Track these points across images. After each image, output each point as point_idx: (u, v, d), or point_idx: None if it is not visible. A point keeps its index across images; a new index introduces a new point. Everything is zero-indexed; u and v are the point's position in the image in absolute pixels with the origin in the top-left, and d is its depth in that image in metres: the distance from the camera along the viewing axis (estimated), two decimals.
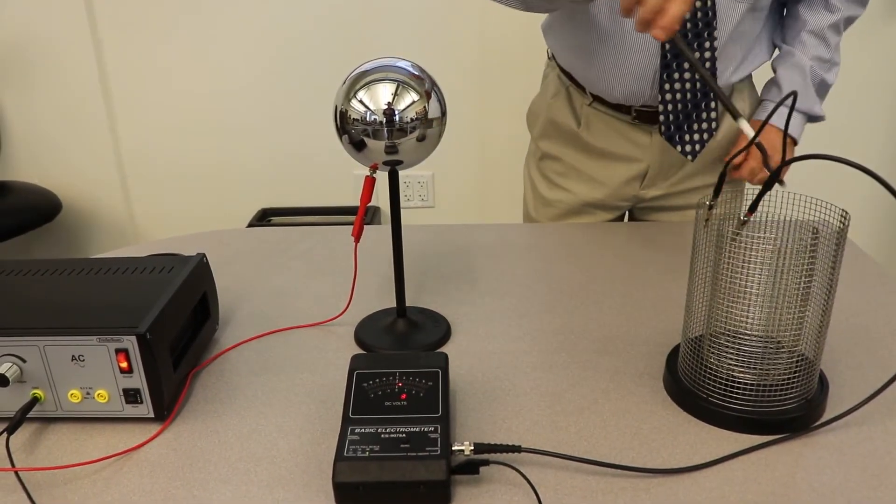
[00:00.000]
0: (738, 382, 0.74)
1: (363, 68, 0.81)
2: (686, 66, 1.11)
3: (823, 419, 0.75)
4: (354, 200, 2.62)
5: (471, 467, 0.66)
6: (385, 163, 0.82)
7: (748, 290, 0.72)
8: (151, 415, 0.76)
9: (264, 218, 2.64)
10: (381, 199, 2.65)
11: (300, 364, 0.88)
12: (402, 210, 0.88)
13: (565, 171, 1.32)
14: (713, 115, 1.16)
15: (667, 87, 1.12)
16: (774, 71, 1.21)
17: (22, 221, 2.38)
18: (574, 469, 0.69)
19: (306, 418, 0.78)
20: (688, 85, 1.12)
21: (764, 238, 0.71)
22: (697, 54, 1.09)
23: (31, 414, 0.74)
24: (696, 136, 1.15)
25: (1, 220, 2.33)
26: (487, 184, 2.62)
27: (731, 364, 0.75)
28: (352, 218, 2.55)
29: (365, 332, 0.93)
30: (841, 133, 2.26)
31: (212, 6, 2.40)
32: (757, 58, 1.19)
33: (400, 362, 0.76)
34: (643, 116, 1.21)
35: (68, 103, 2.54)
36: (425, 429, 0.67)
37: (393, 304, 0.99)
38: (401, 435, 0.67)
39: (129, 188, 2.67)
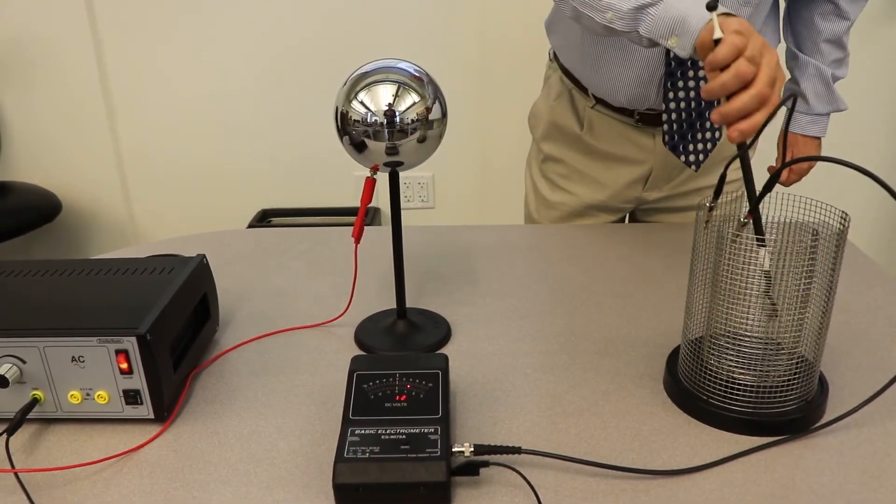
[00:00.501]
0: (738, 384, 0.74)
1: (364, 69, 0.81)
2: (690, 73, 1.10)
3: (823, 421, 0.75)
4: (354, 201, 2.62)
5: (471, 469, 0.66)
6: (386, 164, 0.82)
7: (748, 291, 0.72)
8: (151, 416, 0.76)
9: (264, 219, 2.64)
10: (381, 199, 2.65)
11: (300, 365, 0.88)
12: (402, 211, 0.88)
13: (568, 173, 1.32)
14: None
15: (671, 95, 1.12)
16: (796, 79, 1.23)
17: (22, 222, 2.38)
18: (574, 470, 0.69)
19: (306, 419, 0.78)
20: (692, 94, 1.12)
21: (764, 239, 0.71)
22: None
23: (30, 415, 0.74)
24: (700, 146, 1.15)
25: (1, 221, 2.33)
26: (487, 185, 2.62)
27: (731, 365, 0.75)
28: (352, 219, 2.55)
29: (365, 334, 0.93)
30: (841, 134, 2.26)
31: (212, 7, 2.40)
32: None
33: (400, 364, 0.76)
34: (646, 119, 1.21)
35: (68, 104, 2.54)
36: (425, 430, 0.67)
37: (393, 305, 0.99)
38: (401, 436, 0.67)
39: (129, 189, 2.67)
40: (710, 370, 0.76)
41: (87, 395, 0.75)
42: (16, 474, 0.69)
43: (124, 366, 0.73)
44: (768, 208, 0.78)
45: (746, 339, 0.74)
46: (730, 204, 0.77)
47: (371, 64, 0.82)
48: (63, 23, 2.42)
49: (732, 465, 0.70)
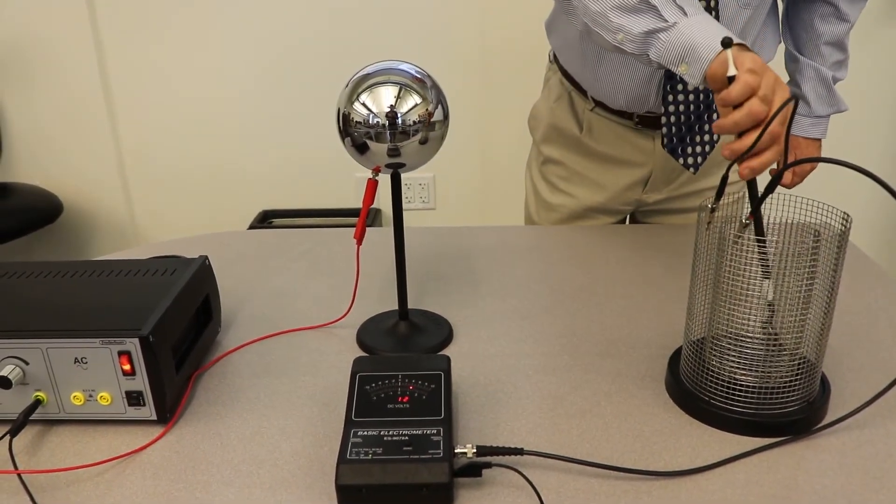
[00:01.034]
0: (740, 385, 0.74)
1: (366, 71, 0.81)
2: None
3: (825, 422, 0.75)
4: (355, 202, 2.62)
5: (473, 470, 0.67)
6: (387, 165, 0.82)
7: (750, 292, 0.72)
8: (154, 417, 0.76)
9: (265, 220, 2.64)
10: (381, 201, 2.65)
11: (302, 366, 0.88)
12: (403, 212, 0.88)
13: (568, 175, 1.32)
14: None
15: (670, 98, 1.12)
16: (797, 82, 1.23)
17: (23, 223, 2.38)
18: (576, 471, 0.69)
19: (309, 421, 0.78)
20: (691, 97, 1.12)
21: (767, 234, 0.71)
22: None
23: (33, 416, 0.74)
24: (699, 149, 1.15)
25: (2, 222, 2.33)
26: (488, 186, 2.62)
27: (732, 366, 0.75)
28: (353, 220, 2.55)
29: (367, 335, 0.93)
30: (841, 135, 2.26)
31: (213, 8, 2.40)
32: (760, 55, 1.19)
33: (402, 365, 0.76)
34: (646, 122, 1.21)
35: (70, 105, 2.54)
36: (428, 431, 0.67)
37: (395, 306, 0.99)
38: (403, 437, 0.67)
39: (130, 190, 2.67)
40: (712, 371, 0.76)
41: (90, 396, 0.75)
42: (19, 475, 0.69)
43: (127, 367, 0.73)
44: (770, 209, 0.78)
45: (748, 339, 0.75)
46: (731, 205, 0.77)
47: (373, 65, 0.82)
48: (64, 23, 2.42)
49: (734, 465, 0.70)
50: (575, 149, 1.30)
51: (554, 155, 1.33)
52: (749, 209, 0.76)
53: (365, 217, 0.85)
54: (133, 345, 0.72)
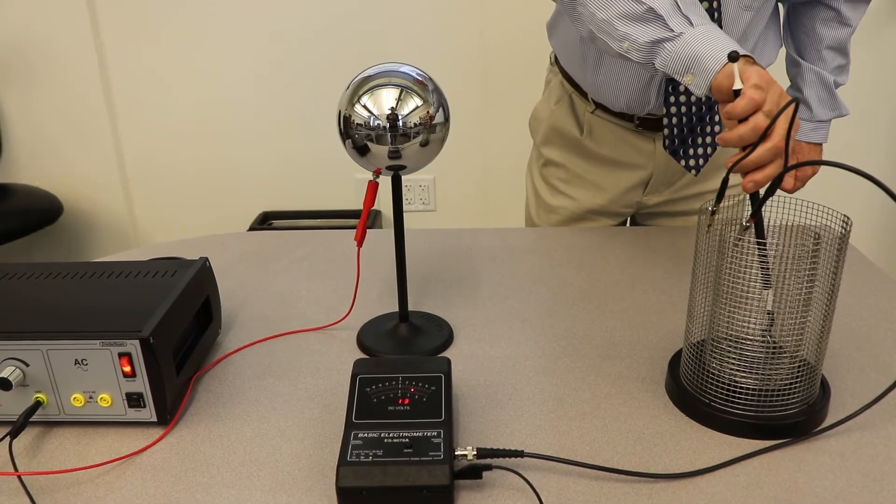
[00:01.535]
0: (740, 387, 0.74)
1: (366, 73, 0.81)
2: None
3: (825, 424, 0.75)
4: (356, 204, 2.63)
5: (474, 472, 0.67)
6: (388, 167, 0.82)
7: (750, 295, 0.72)
8: (154, 419, 0.76)
9: (265, 221, 2.64)
10: (382, 202, 2.65)
11: (303, 368, 0.88)
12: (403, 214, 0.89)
13: (568, 177, 1.32)
14: (717, 128, 1.16)
15: (672, 99, 1.12)
16: (798, 86, 1.23)
17: (23, 224, 2.38)
18: (577, 474, 0.69)
19: (309, 422, 0.78)
20: (693, 98, 1.12)
21: (766, 243, 0.71)
22: None
23: (33, 418, 0.74)
24: (700, 151, 1.15)
25: (2, 223, 2.33)
26: (489, 188, 2.62)
27: (732, 369, 0.75)
28: (353, 221, 2.55)
29: (367, 337, 0.93)
30: (842, 138, 2.27)
31: (214, 10, 2.40)
32: (762, 59, 1.19)
33: (403, 367, 0.76)
34: (647, 124, 1.21)
35: (70, 106, 2.54)
36: (428, 433, 0.67)
37: (395, 308, 0.99)
38: (404, 440, 0.67)
39: (130, 191, 2.67)
40: (712, 373, 0.76)
41: (90, 398, 0.75)
42: (19, 477, 0.69)
43: (127, 369, 0.73)
44: (770, 212, 0.78)
45: (748, 342, 0.75)
46: (732, 208, 0.77)
47: (374, 68, 0.82)
48: (65, 26, 2.43)
49: (734, 468, 0.70)
50: (575, 151, 1.30)
51: (554, 157, 1.33)
52: (749, 212, 0.76)
53: (365, 219, 0.86)
54: (133, 346, 0.72)
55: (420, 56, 2.43)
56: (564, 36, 1.24)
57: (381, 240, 1.25)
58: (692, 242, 1.22)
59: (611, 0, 0.92)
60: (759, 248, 0.71)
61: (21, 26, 2.44)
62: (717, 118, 1.15)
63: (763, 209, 0.75)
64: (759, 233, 0.75)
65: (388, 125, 0.78)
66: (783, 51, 1.25)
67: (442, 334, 0.93)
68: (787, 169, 0.72)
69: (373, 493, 0.63)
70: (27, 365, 0.73)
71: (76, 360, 0.73)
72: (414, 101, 0.79)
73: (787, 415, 0.74)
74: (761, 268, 0.71)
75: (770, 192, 0.73)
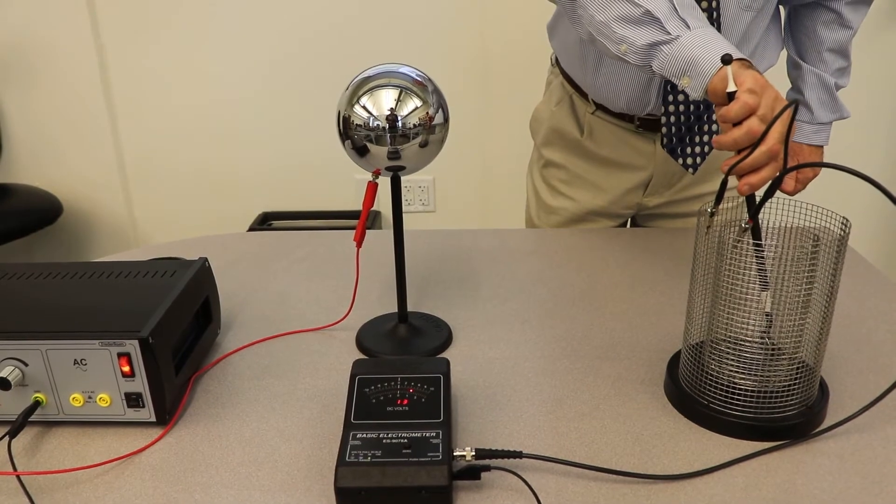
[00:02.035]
0: (739, 389, 0.74)
1: (366, 74, 0.81)
2: None
3: (824, 426, 0.75)
4: (355, 204, 2.63)
5: (472, 473, 0.67)
6: (387, 168, 0.82)
7: (749, 296, 0.72)
8: (153, 419, 0.76)
9: (265, 222, 2.64)
10: (381, 203, 2.65)
11: (302, 369, 0.88)
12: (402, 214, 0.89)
13: (569, 178, 1.32)
14: (714, 127, 1.16)
15: (670, 98, 1.12)
16: (799, 89, 1.23)
17: (23, 224, 2.38)
18: (575, 475, 0.69)
19: (308, 423, 0.78)
20: (691, 97, 1.12)
21: (765, 245, 0.71)
22: None
23: (32, 417, 0.74)
24: (698, 149, 1.15)
25: (2, 223, 2.33)
26: (488, 188, 2.62)
27: (731, 370, 0.75)
28: (353, 222, 2.55)
29: (366, 337, 0.93)
30: (842, 140, 2.27)
31: (214, 10, 2.40)
32: (763, 60, 1.19)
33: (402, 367, 0.76)
34: (647, 125, 1.21)
35: (70, 106, 2.54)
36: (427, 434, 0.67)
37: (394, 308, 0.99)
38: (402, 440, 0.67)
39: (130, 191, 2.67)
40: (711, 375, 0.76)
41: (89, 397, 0.75)
42: (18, 477, 0.69)
43: (126, 369, 0.73)
44: (769, 214, 0.78)
45: (747, 344, 0.75)
46: (731, 210, 0.77)
47: (373, 68, 0.82)
48: (65, 26, 2.43)
49: (733, 469, 0.70)
50: (576, 152, 1.30)
51: (555, 158, 1.33)
52: (748, 213, 0.76)
53: (365, 220, 0.86)
54: (132, 346, 0.72)
55: (420, 57, 2.43)
56: (564, 37, 1.24)
57: (380, 240, 1.25)
58: (691, 244, 1.22)
59: (609, 3, 0.92)
60: (756, 250, 0.71)
61: (21, 26, 2.44)
62: (714, 117, 1.15)
63: (761, 211, 0.75)
64: (756, 235, 0.75)
65: (387, 126, 0.78)
66: (784, 53, 1.25)
67: (441, 335, 0.93)
68: (785, 171, 0.72)
69: (371, 494, 0.63)
70: (26, 365, 0.73)
71: (75, 359, 0.73)
72: (413, 102, 0.79)
73: (786, 416, 0.74)
74: (759, 270, 0.72)
75: (769, 195, 0.73)
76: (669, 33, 0.87)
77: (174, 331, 0.79)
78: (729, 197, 0.77)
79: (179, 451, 0.73)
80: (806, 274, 0.70)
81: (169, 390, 0.76)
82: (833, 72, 1.20)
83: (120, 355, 0.72)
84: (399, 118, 0.78)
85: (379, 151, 0.80)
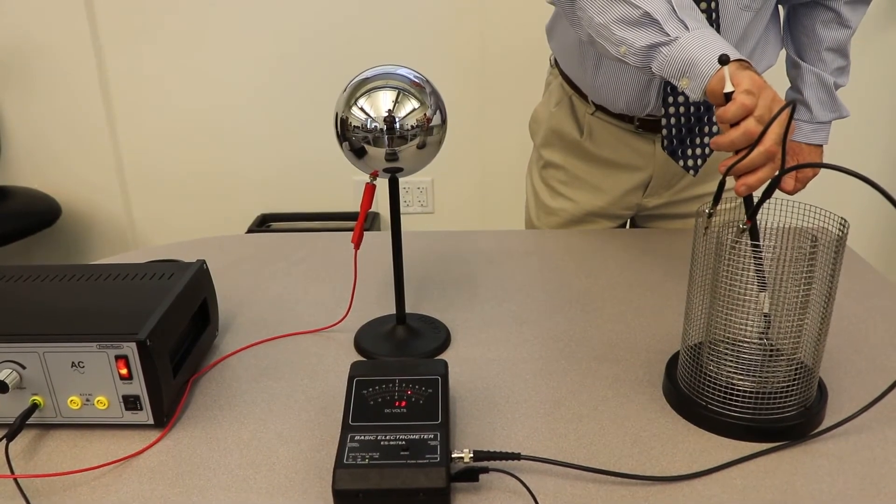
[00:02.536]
0: (737, 390, 0.74)
1: (364, 75, 0.81)
2: None
3: (822, 427, 0.75)
4: (354, 206, 2.62)
5: (470, 475, 0.66)
6: (385, 170, 0.82)
7: (747, 297, 0.72)
8: (151, 421, 0.76)
9: (263, 223, 2.64)
10: (380, 204, 2.65)
11: (300, 371, 0.88)
12: (401, 216, 0.89)
13: (568, 179, 1.32)
14: (715, 129, 1.16)
15: (670, 100, 1.12)
16: (798, 88, 1.23)
17: (22, 226, 2.38)
18: (573, 476, 0.69)
19: (306, 425, 0.78)
20: (691, 99, 1.12)
21: (763, 246, 0.71)
22: None
23: (30, 420, 0.74)
24: (699, 151, 1.15)
25: (1, 225, 2.33)
26: (487, 190, 2.62)
27: (730, 371, 0.75)
28: (351, 223, 2.55)
29: (365, 339, 0.93)
30: (841, 141, 2.27)
31: (212, 13, 2.40)
32: (762, 60, 1.19)
33: (400, 369, 0.76)
34: (647, 125, 1.21)
35: (69, 109, 2.54)
36: (425, 436, 0.67)
37: (392, 310, 0.99)
38: (400, 442, 0.67)
39: (128, 193, 2.67)
40: (710, 376, 0.76)
41: (87, 400, 0.75)
42: (15, 480, 0.69)
43: (124, 371, 0.73)
44: (768, 214, 0.78)
45: (745, 345, 0.75)
46: (729, 210, 0.77)
47: (371, 70, 0.82)
48: (64, 29, 2.43)
49: (731, 471, 0.70)
50: (575, 153, 1.30)
51: (554, 159, 1.33)
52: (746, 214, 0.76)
53: (363, 221, 0.85)
54: (130, 349, 0.72)
55: (419, 58, 2.43)
56: (563, 38, 1.24)
57: (378, 242, 1.25)
58: (690, 245, 1.22)
59: (608, 4, 0.92)
60: (754, 251, 0.71)
61: (20, 29, 2.44)
62: (714, 118, 1.15)
63: (759, 212, 0.75)
64: (755, 236, 0.75)
65: (385, 127, 0.78)
66: (783, 54, 1.25)
67: (439, 337, 0.93)
68: (783, 172, 0.72)
69: (369, 496, 0.63)
70: (24, 367, 0.73)
71: (73, 362, 0.73)
72: (411, 104, 0.79)
73: (785, 417, 0.74)
74: (757, 271, 0.72)
75: (767, 195, 0.73)
76: (668, 35, 0.87)
77: (172, 333, 0.79)
78: (727, 198, 0.77)
79: (177, 453, 0.73)
80: (804, 275, 0.70)
81: (167, 393, 0.76)
82: (832, 71, 1.20)
83: (118, 358, 0.72)
84: (397, 120, 0.78)
85: (377, 153, 0.80)
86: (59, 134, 2.58)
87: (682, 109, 1.13)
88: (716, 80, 0.81)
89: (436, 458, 0.65)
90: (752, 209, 0.75)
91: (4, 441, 0.71)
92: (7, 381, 0.72)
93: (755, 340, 0.74)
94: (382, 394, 0.73)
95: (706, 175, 1.27)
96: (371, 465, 0.64)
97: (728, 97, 0.79)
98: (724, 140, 0.79)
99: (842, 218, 0.71)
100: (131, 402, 0.75)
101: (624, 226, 1.39)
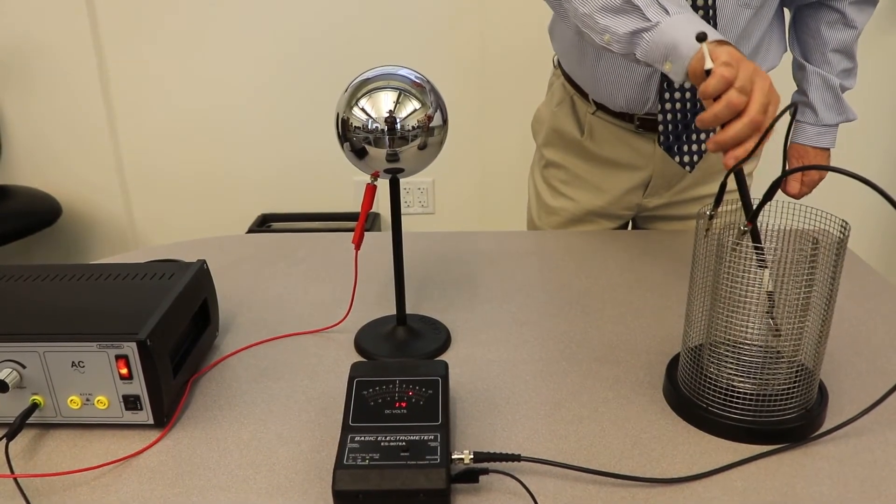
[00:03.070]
0: (738, 392, 0.74)
1: (365, 76, 0.81)
2: None
3: (823, 429, 0.75)
4: (354, 206, 2.62)
5: (470, 476, 0.66)
6: (386, 171, 0.82)
7: (748, 299, 0.72)
8: (151, 421, 0.75)
9: (264, 224, 2.64)
10: (380, 205, 2.65)
11: (300, 371, 0.88)
12: (402, 217, 0.88)
13: (569, 179, 1.33)
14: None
15: (667, 96, 1.12)
16: (804, 90, 1.22)
17: (22, 226, 2.38)
18: (573, 478, 0.69)
19: (306, 426, 0.77)
20: (688, 94, 1.12)
21: (764, 248, 0.71)
22: None
23: (30, 420, 0.74)
24: (695, 147, 1.16)
25: (1, 224, 2.33)
26: (487, 191, 2.62)
27: (730, 373, 0.75)
28: (352, 224, 2.55)
29: (365, 340, 0.93)
30: (841, 142, 2.27)
31: (213, 13, 2.40)
32: (764, 61, 1.19)
33: (400, 370, 0.76)
34: (646, 125, 1.21)
35: (69, 108, 2.54)
36: (425, 437, 0.67)
37: (393, 311, 0.99)
38: (401, 443, 0.67)
39: (129, 193, 2.67)
40: (710, 378, 0.76)
41: (87, 400, 0.75)
42: (15, 479, 0.69)
43: (124, 371, 0.73)
44: (768, 217, 0.78)
45: (746, 347, 0.75)
46: (730, 213, 0.77)
47: (372, 70, 0.82)
48: (64, 28, 2.43)
49: (732, 473, 0.70)
50: (576, 152, 1.30)
51: (555, 158, 1.33)
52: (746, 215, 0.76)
53: (363, 222, 0.85)
54: (130, 349, 0.72)
55: (419, 58, 2.43)
56: (563, 37, 1.25)
57: (379, 242, 1.25)
58: (690, 246, 1.22)
59: None
60: (752, 231, 0.71)
61: (20, 29, 2.44)
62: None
63: (761, 214, 0.75)
64: (755, 237, 0.75)
65: (386, 128, 0.78)
66: (787, 57, 1.25)
67: (439, 337, 0.93)
68: (784, 174, 0.72)
69: (369, 497, 0.63)
70: (24, 367, 0.73)
71: (73, 362, 0.73)
72: (412, 104, 0.79)
73: (785, 420, 0.74)
74: (755, 248, 0.71)
75: (768, 197, 0.73)
76: (650, 20, 0.88)
77: (172, 333, 0.79)
78: (728, 200, 0.77)
79: (177, 453, 0.73)
80: (805, 277, 0.70)
81: (167, 393, 0.76)
82: (838, 73, 1.20)
83: (118, 357, 0.72)
84: (398, 120, 0.78)
85: (378, 154, 0.80)
86: (60, 134, 2.58)
87: (678, 106, 1.13)
88: (696, 59, 0.82)
89: (436, 460, 0.65)
90: (753, 211, 0.75)
91: (4, 440, 0.71)
92: (7, 380, 0.72)
93: (756, 342, 0.74)
94: (383, 394, 0.73)
95: (707, 176, 1.27)
96: (371, 466, 0.64)
97: (709, 74, 0.79)
98: (708, 115, 0.79)
99: (843, 220, 0.71)
100: (131, 402, 0.75)
101: (625, 227, 1.39)
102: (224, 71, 2.48)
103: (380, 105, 0.78)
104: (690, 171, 1.19)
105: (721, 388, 0.74)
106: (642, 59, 0.90)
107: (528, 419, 0.78)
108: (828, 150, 1.26)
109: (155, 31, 2.44)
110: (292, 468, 0.71)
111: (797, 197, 1.23)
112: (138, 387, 0.74)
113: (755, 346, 0.74)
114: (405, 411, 0.71)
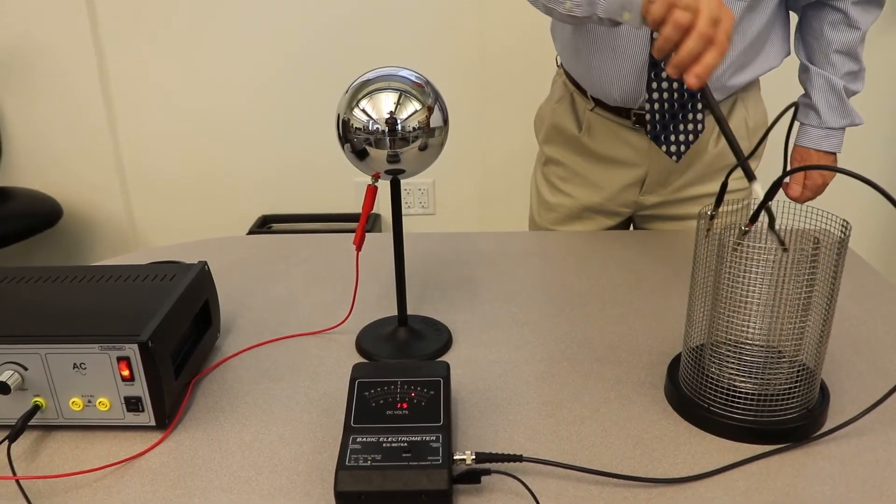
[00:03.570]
0: (739, 392, 0.74)
1: (365, 77, 0.81)
2: None
3: (824, 429, 0.75)
4: (355, 207, 2.63)
5: (472, 476, 0.66)
6: (387, 172, 0.82)
7: (749, 299, 0.72)
8: (153, 423, 0.76)
9: (265, 225, 2.64)
10: (381, 206, 2.65)
11: (301, 372, 0.88)
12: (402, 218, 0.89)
13: (567, 175, 1.33)
14: (699, 115, 1.16)
15: (654, 85, 1.13)
16: (807, 92, 1.22)
17: (23, 227, 2.38)
18: (575, 478, 0.69)
19: (308, 427, 0.78)
20: (675, 84, 1.12)
21: (765, 248, 0.71)
22: None
23: (32, 422, 0.74)
24: (682, 137, 1.16)
25: (2, 226, 2.33)
26: (488, 191, 2.62)
27: (732, 373, 0.75)
28: (352, 225, 2.55)
29: (366, 341, 0.93)
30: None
31: (213, 14, 2.40)
32: (764, 62, 1.19)
33: (401, 371, 0.76)
34: (642, 120, 1.21)
35: (70, 110, 2.54)
36: (427, 438, 0.67)
37: (394, 312, 0.99)
38: (402, 444, 0.67)
39: (129, 194, 2.67)
40: (711, 378, 0.76)
41: (89, 401, 0.75)
42: (17, 481, 0.69)
43: (126, 373, 0.73)
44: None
45: (747, 347, 0.75)
46: (731, 213, 0.77)
47: (373, 72, 0.82)
48: (65, 29, 2.43)
49: (733, 473, 0.70)
50: (574, 148, 1.31)
51: (555, 155, 1.34)
52: (748, 217, 0.76)
53: (364, 223, 0.85)
54: (132, 350, 0.72)
55: (419, 59, 2.43)
56: (560, 33, 1.26)
57: (380, 243, 1.25)
58: (691, 246, 1.22)
59: None
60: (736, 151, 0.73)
61: (20, 29, 2.44)
62: (698, 105, 1.15)
63: (762, 213, 0.75)
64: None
65: (386, 129, 0.78)
66: (790, 60, 1.24)
67: (441, 338, 0.93)
68: (784, 173, 0.72)
69: (371, 498, 0.63)
70: (26, 369, 0.73)
71: (75, 363, 0.73)
72: (413, 105, 0.79)
73: (787, 419, 0.74)
74: (742, 167, 0.72)
75: (769, 197, 0.73)
76: None
77: (174, 335, 0.79)
78: (729, 200, 0.77)
79: (179, 455, 0.73)
80: (806, 276, 0.70)
81: (168, 394, 0.76)
82: (843, 75, 1.19)
83: (119, 359, 0.72)
84: (398, 121, 0.78)
85: (378, 155, 0.80)
86: (60, 134, 2.58)
87: (665, 95, 1.14)
88: (646, 1, 0.83)
89: (438, 460, 0.65)
90: (754, 212, 0.75)
91: (6, 442, 0.71)
92: (9, 382, 0.72)
93: (757, 342, 0.74)
94: (384, 395, 0.73)
95: (703, 176, 1.28)
96: (373, 467, 0.64)
97: None
98: (660, 41, 0.80)
99: (844, 220, 0.71)
100: (133, 404, 0.75)
101: (624, 226, 1.39)
102: (224, 71, 2.48)
103: (380, 106, 0.78)
104: (677, 161, 1.19)
105: (722, 388, 0.74)
106: (605, 16, 0.93)
107: (529, 419, 0.78)
108: (833, 154, 1.25)
109: (155, 31, 2.44)
110: (294, 469, 0.71)
111: (799, 201, 1.22)
112: (140, 388, 0.74)
113: (756, 345, 0.74)
114: (407, 412, 0.71)
